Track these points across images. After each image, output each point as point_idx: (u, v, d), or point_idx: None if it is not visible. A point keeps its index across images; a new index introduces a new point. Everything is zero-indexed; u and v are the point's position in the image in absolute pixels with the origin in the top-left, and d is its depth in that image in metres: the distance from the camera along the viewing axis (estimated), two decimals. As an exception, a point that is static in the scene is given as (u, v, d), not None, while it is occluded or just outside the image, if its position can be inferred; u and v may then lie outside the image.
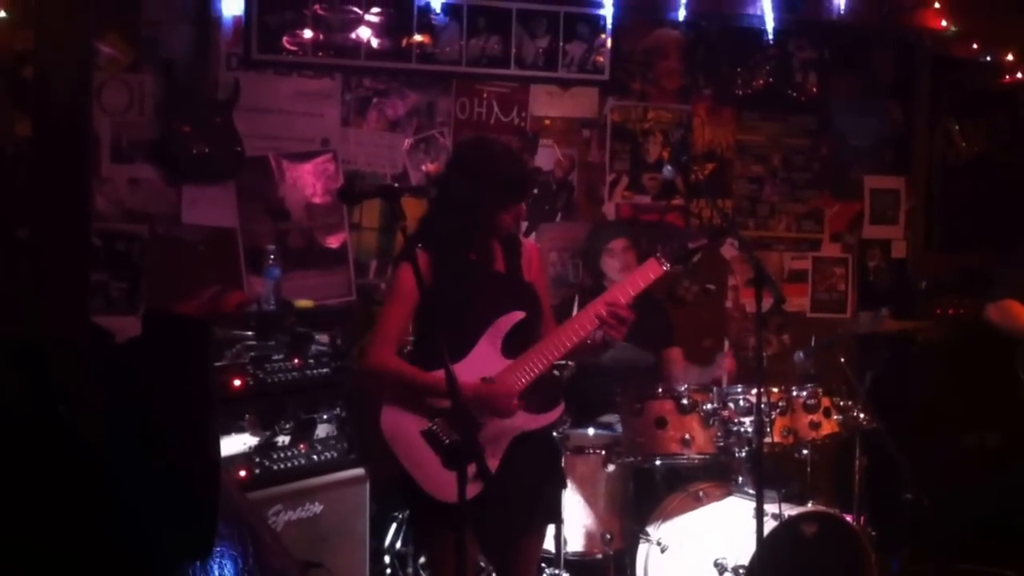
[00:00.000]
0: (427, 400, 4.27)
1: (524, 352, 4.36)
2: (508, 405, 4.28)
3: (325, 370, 5.78)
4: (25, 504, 2.23)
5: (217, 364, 5.32)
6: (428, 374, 4.27)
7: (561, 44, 7.33)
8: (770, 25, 7.54)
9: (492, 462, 4.19)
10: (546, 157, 7.44)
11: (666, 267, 4.47)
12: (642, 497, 6.13)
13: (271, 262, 6.05)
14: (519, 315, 4.39)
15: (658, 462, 5.89)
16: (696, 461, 5.87)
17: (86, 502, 2.28)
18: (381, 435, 4.35)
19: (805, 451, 5.98)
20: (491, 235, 4.46)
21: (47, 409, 2.34)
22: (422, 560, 6.02)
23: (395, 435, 4.30)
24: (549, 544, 5.49)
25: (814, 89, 7.96)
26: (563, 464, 5.71)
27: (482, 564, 5.88)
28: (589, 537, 5.97)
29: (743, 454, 5.85)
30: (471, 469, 3.62)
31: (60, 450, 2.31)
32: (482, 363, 4.25)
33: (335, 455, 5.76)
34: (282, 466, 5.51)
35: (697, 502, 5.92)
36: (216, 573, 2.63)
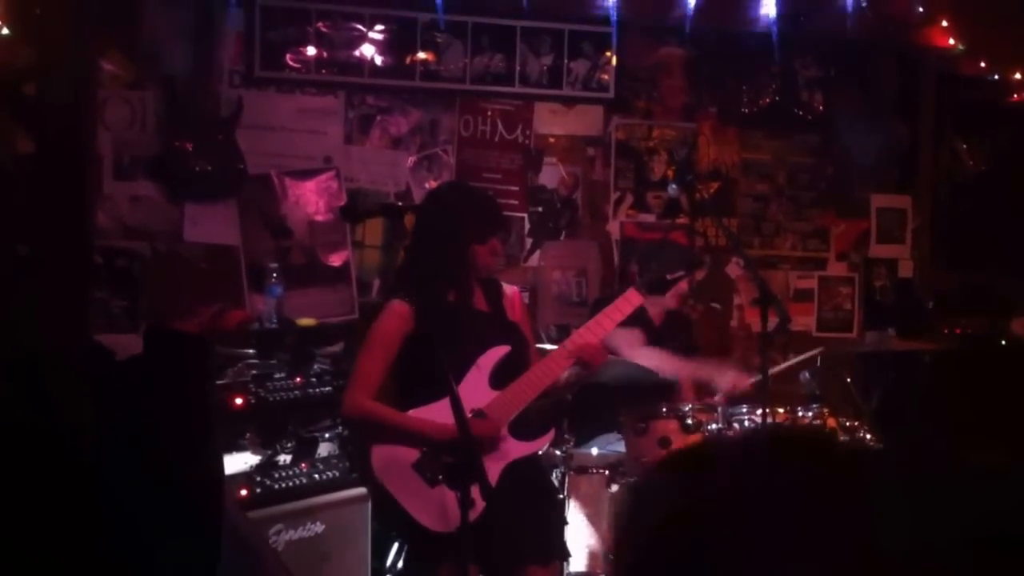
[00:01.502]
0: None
1: (512, 383, 4.34)
2: (495, 437, 4.26)
3: (327, 388, 5.75)
4: (20, 519, 2.21)
5: (218, 382, 5.30)
6: (408, 415, 4.27)
7: (565, 62, 7.32)
8: (775, 43, 7.52)
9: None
10: (550, 175, 7.43)
11: (645, 296, 4.50)
12: (646, 517, 6.06)
13: (273, 280, 6.04)
14: (504, 349, 4.38)
15: (662, 482, 5.82)
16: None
17: (83, 518, 2.25)
18: (372, 474, 4.31)
19: (810, 471, 5.92)
20: (470, 274, 4.44)
21: (44, 422, 2.32)
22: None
23: (386, 471, 4.28)
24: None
25: (819, 107, 7.94)
26: (564, 493, 5.72)
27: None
28: (592, 557, 5.92)
29: (748, 474, 5.78)
30: (472, 491, 3.59)
31: (56, 464, 2.29)
32: (471, 395, 4.22)
33: (337, 474, 5.72)
34: (283, 485, 5.48)
35: (702, 522, 5.86)
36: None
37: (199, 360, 2.84)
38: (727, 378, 6.26)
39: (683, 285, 6.38)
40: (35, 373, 2.49)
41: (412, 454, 4.21)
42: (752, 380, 6.27)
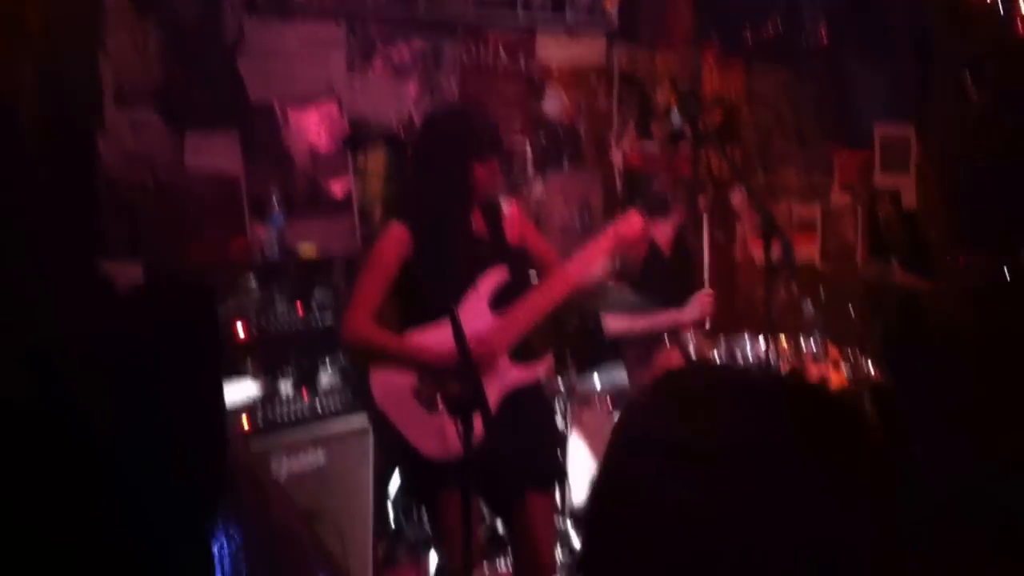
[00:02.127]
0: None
1: (511, 307, 4.32)
2: (495, 362, 4.26)
3: (329, 319, 5.74)
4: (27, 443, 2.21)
5: (220, 313, 5.28)
6: (408, 340, 4.25)
7: (569, -11, 7.27)
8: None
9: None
10: (553, 105, 7.39)
11: (646, 219, 4.48)
12: (648, 448, 6.07)
13: (275, 210, 6.01)
14: (503, 273, 4.36)
15: (664, 412, 5.82)
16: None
17: (82, 451, 2.24)
18: (371, 401, 4.31)
19: (813, 402, 5.93)
20: (468, 196, 4.39)
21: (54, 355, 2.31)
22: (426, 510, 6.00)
23: (386, 398, 4.28)
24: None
25: (824, 37, 7.89)
26: (564, 419, 5.74)
27: (485, 515, 5.89)
28: (594, 487, 5.94)
29: (750, 404, 5.80)
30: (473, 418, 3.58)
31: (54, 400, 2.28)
32: (469, 320, 4.18)
33: (338, 404, 5.73)
34: (285, 415, 5.49)
35: (703, 452, 5.87)
36: (226, 536, 2.61)
37: (204, 311, 2.82)
38: (692, 311, 6.25)
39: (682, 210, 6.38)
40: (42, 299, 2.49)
41: (411, 380, 4.20)
42: (711, 292, 6.26)
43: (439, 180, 4.32)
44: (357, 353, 4.34)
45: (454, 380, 4.04)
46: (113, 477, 2.22)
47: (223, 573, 2.60)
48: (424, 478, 4.36)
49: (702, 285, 6.68)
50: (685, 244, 7.00)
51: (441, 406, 4.11)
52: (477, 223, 4.47)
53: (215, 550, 2.58)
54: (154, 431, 2.29)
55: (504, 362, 4.29)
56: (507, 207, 4.62)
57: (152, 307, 2.67)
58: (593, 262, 4.44)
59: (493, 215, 4.53)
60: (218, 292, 5.31)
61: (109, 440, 2.25)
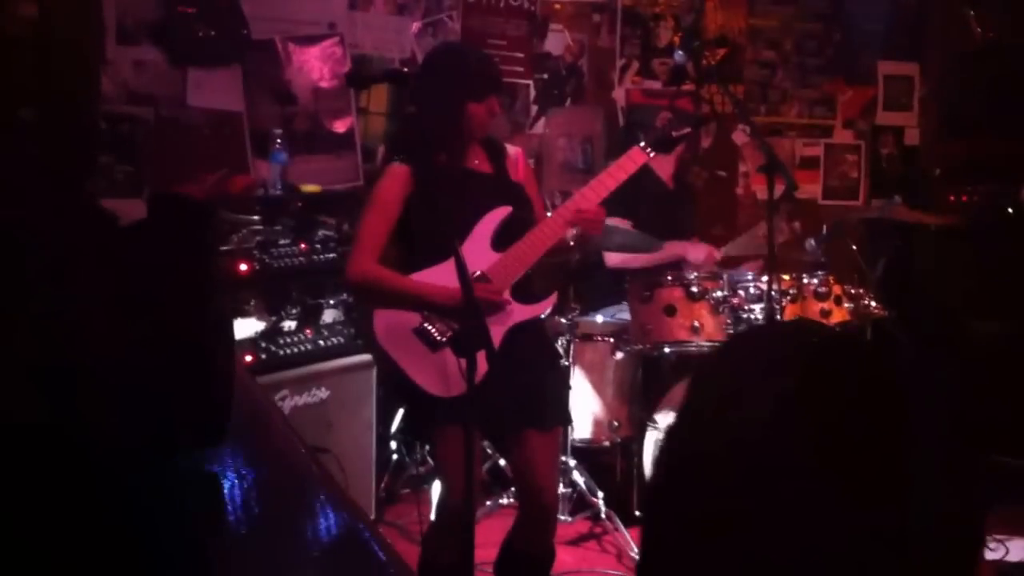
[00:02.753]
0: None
1: (513, 245, 4.31)
2: (498, 300, 4.24)
3: (331, 255, 5.75)
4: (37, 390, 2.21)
5: (223, 249, 5.28)
6: (411, 279, 4.24)
7: (571, -75, 7.23)
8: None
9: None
10: (556, 42, 7.38)
11: (650, 155, 4.43)
12: (650, 385, 6.13)
13: (277, 146, 5.99)
14: (506, 210, 4.32)
15: (667, 350, 5.88)
16: (705, 348, 5.83)
17: (103, 380, 2.25)
18: (374, 339, 4.31)
19: (815, 339, 5.94)
20: (467, 134, 4.36)
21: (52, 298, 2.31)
22: (428, 447, 6.02)
23: (388, 336, 4.26)
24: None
25: (828, -28, 7.85)
26: (568, 361, 5.75)
27: (488, 452, 5.92)
28: (596, 425, 5.98)
29: (752, 341, 5.81)
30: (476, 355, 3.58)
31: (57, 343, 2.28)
32: (472, 258, 4.16)
33: (341, 340, 5.75)
34: (288, 351, 5.51)
35: (706, 390, 5.89)
36: (228, 459, 2.63)
37: (204, 225, 2.82)
38: (699, 252, 6.27)
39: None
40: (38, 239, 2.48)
41: (414, 319, 4.19)
42: (720, 254, 6.29)
43: (438, 118, 4.30)
44: (362, 295, 4.32)
45: (458, 317, 4.05)
46: (117, 404, 2.22)
47: (234, 507, 2.62)
48: (427, 415, 4.34)
49: (702, 219, 6.70)
50: (687, 178, 7.00)
51: (444, 341, 4.11)
52: (480, 160, 4.45)
53: (225, 486, 2.60)
54: (154, 356, 2.29)
55: (507, 299, 4.28)
56: (512, 149, 4.59)
57: (152, 219, 2.67)
58: (595, 198, 4.41)
59: (496, 153, 4.51)
60: (218, 216, 5.30)
61: (112, 371, 2.25)
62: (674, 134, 4.57)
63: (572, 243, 4.50)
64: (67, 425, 2.18)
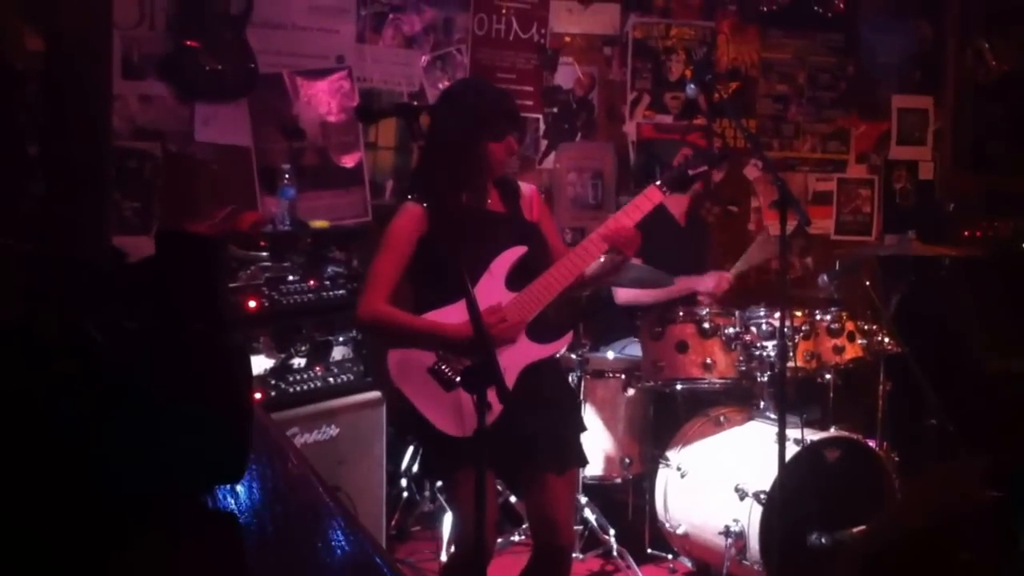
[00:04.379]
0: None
1: (530, 284, 4.26)
2: (513, 334, 4.19)
3: (341, 291, 5.69)
4: (56, 422, 2.17)
5: (232, 285, 5.24)
6: (423, 318, 4.20)
7: (581, -43, 7.21)
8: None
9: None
10: (566, 75, 7.35)
11: (667, 193, 4.39)
12: (662, 421, 6.09)
13: (286, 181, 5.96)
14: (520, 250, 4.29)
15: (679, 386, 5.85)
16: (717, 385, 5.81)
17: (123, 423, 2.21)
18: (388, 378, 4.27)
19: (828, 375, 5.91)
20: (484, 173, 4.32)
21: (77, 329, 2.27)
22: (439, 484, 5.97)
23: (402, 376, 4.23)
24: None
25: (841, 5, 7.83)
26: (580, 397, 5.71)
27: (500, 488, 5.86)
28: (608, 461, 5.93)
29: (765, 378, 5.79)
30: (488, 394, 3.53)
31: (95, 372, 2.24)
32: (486, 298, 4.13)
33: (351, 377, 5.69)
34: (298, 388, 5.45)
35: (718, 427, 5.86)
36: (244, 495, 2.58)
37: (213, 262, 2.79)
38: (708, 282, 6.24)
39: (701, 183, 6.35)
40: (55, 273, 2.46)
41: (428, 358, 4.15)
42: (731, 275, 6.25)
43: (454, 158, 4.25)
44: (373, 334, 4.28)
45: (470, 354, 4.01)
46: (135, 443, 2.19)
47: (250, 543, 2.58)
48: (442, 456, 4.31)
49: (713, 256, 6.66)
50: (700, 215, 6.96)
51: (458, 381, 4.05)
52: (494, 200, 4.41)
53: (241, 521, 2.56)
54: (171, 395, 2.26)
55: (521, 339, 4.23)
56: (526, 188, 4.55)
57: (160, 256, 2.64)
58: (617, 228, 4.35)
59: (510, 192, 4.47)
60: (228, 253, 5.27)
61: (123, 399, 2.22)
62: (691, 172, 4.53)
63: (587, 280, 4.45)
64: (81, 465, 2.15)
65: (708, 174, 6.32)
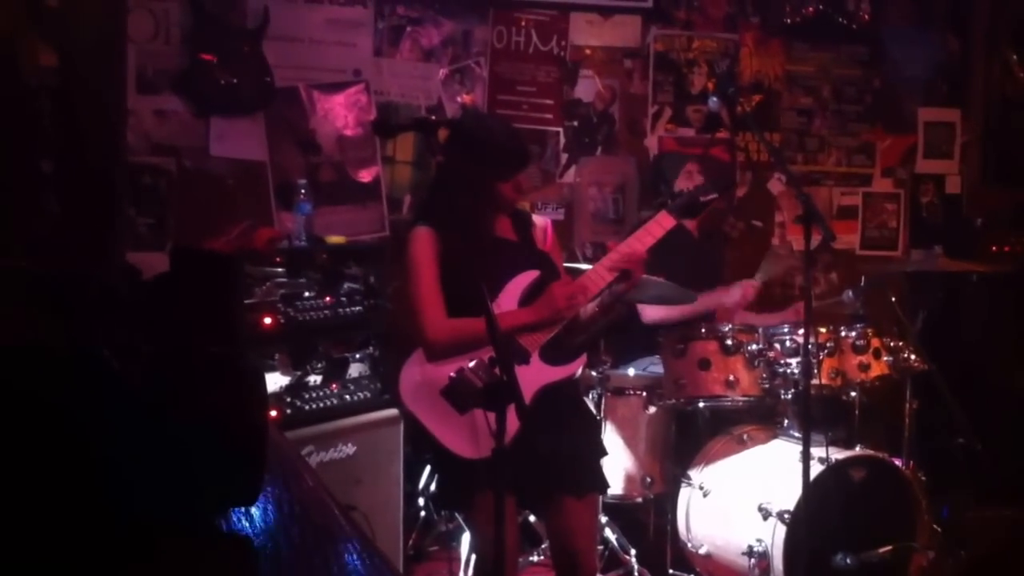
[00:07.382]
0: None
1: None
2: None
3: (358, 308, 5.65)
4: (71, 445, 2.12)
5: (247, 302, 5.19)
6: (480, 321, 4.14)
7: (603, -31, 7.16)
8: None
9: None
10: (586, 88, 7.30)
11: (677, 220, 4.39)
12: (684, 440, 6.03)
13: (302, 197, 5.90)
14: (534, 274, 4.29)
15: (701, 404, 5.80)
16: (740, 403, 5.76)
17: (137, 446, 2.16)
18: (401, 401, 4.27)
19: (853, 393, 5.83)
20: (494, 209, 4.34)
21: (90, 351, 2.22)
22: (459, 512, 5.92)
23: (415, 399, 4.21)
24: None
25: (867, 17, 7.76)
26: (600, 415, 5.67)
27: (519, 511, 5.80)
28: (629, 480, 5.86)
29: (789, 396, 5.73)
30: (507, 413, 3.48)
31: (108, 395, 2.19)
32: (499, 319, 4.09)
33: (368, 395, 5.64)
34: (314, 406, 5.40)
35: (741, 445, 5.79)
36: (258, 517, 2.53)
37: (228, 279, 2.73)
38: (734, 295, 6.18)
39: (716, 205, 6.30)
40: (68, 293, 2.41)
41: (441, 380, 4.09)
42: (757, 283, 6.19)
43: (465, 194, 4.24)
44: (452, 351, 4.20)
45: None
46: (150, 466, 2.14)
47: (262, 549, 2.54)
48: (458, 478, 4.27)
49: (733, 269, 6.60)
50: (716, 228, 6.90)
51: (472, 403, 4.00)
52: (507, 229, 4.42)
53: (256, 543, 2.52)
54: (186, 415, 2.21)
55: (535, 362, 4.19)
56: (539, 220, 4.56)
57: (175, 273, 2.60)
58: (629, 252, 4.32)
59: (522, 223, 4.49)
60: (243, 269, 5.22)
61: (137, 417, 2.17)
62: (701, 199, 4.51)
63: (599, 305, 4.41)
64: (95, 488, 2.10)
65: (718, 201, 6.29)
